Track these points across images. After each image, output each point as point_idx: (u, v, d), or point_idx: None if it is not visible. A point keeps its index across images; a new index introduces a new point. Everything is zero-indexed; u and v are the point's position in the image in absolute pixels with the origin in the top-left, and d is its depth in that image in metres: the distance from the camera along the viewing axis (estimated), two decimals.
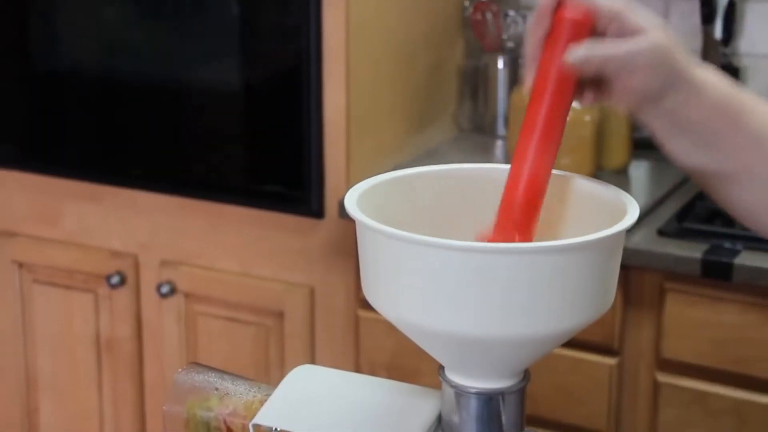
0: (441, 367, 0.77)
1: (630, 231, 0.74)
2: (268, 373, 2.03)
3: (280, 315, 2.03)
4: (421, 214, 0.79)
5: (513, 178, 0.77)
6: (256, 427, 0.81)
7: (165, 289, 2.10)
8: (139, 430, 2.22)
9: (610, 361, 1.79)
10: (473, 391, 0.75)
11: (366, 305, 1.93)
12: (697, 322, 1.72)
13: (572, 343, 1.77)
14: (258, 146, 2.01)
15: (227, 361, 2.07)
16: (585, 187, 0.79)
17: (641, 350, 1.78)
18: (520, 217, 0.76)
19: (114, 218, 2.15)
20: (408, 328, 0.74)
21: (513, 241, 0.76)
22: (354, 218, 0.73)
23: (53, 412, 2.30)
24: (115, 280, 2.14)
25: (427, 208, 0.80)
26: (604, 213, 0.75)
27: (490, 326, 0.69)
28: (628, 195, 0.75)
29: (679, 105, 0.80)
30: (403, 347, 1.89)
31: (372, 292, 0.75)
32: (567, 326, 0.71)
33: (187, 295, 2.11)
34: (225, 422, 0.85)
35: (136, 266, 2.15)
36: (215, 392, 0.86)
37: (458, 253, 0.68)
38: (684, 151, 0.82)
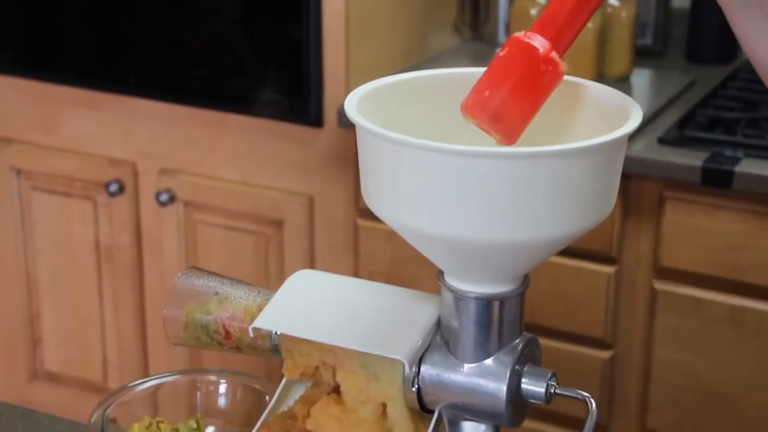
0: (440, 272, 0.77)
1: (630, 139, 0.73)
2: (268, 282, 2.05)
3: (279, 224, 2.04)
4: (422, 119, 0.79)
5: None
6: (256, 330, 0.82)
7: (164, 198, 2.10)
8: (140, 336, 2.24)
9: (609, 269, 1.80)
10: (472, 295, 0.75)
11: (365, 214, 1.93)
12: (697, 230, 1.72)
13: (571, 252, 1.78)
14: (257, 54, 1.99)
15: (227, 269, 2.07)
16: (587, 90, 0.78)
17: (639, 258, 1.79)
18: (557, 31, 0.72)
19: (112, 126, 2.14)
20: (408, 233, 0.73)
21: (546, 47, 0.73)
22: (354, 122, 0.72)
23: (54, 318, 2.32)
24: (113, 188, 2.14)
25: (428, 112, 0.79)
26: (606, 117, 0.74)
27: (491, 231, 0.69)
28: (631, 99, 0.74)
29: None
30: (401, 256, 1.90)
31: (372, 198, 0.74)
32: (567, 231, 0.71)
33: (186, 204, 2.11)
34: (223, 326, 0.85)
35: (135, 174, 2.15)
36: (215, 296, 0.86)
37: (459, 157, 0.67)
38: (758, 33, 0.70)
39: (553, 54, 0.73)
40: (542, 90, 0.73)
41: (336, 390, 0.82)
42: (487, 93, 0.73)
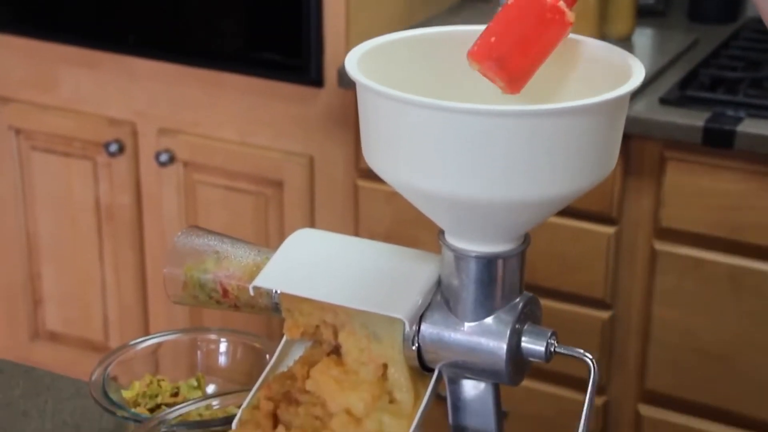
0: (440, 231, 0.77)
1: (631, 99, 0.73)
2: (268, 243, 2.05)
3: (279, 184, 2.03)
4: (423, 77, 0.78)
5: None
6: (256, 289, 0.82)
7: (164, 158, 2.09)
8: (140, 296, 2.25)
9: (609, 230, 1.80)
10: (473, 254, 0.75)
11: (365, 175, 1.93)
12: (697, 190, 1.72)
13: (571, 212, 1.78)
14: (256, 13, 1.98)
15: (227, 229, 2.06)
16: (589, 48, 0.78)
17: (640, 219, 1.78)
18: None
19: (111, 85, 2.13)
20: (408, 192, 0.73)
21: None
22: (354, 79, 0.72)
23: (55, 278, 2.32)
24: (113, 148, 2.13)
25: (429, 70, 0.79)
26: (608, 75, 0.73)
27: (492, 189, 0.69)
28: (633, 56, 0.73)
29: None
30: (401, 217, 1.90)
31: (373, 156, 0.74)
32: (568, 190, 0.70)
33: (186, 164, 2.11)
34: (221, 284, 0.85)
35: (135, 134, 2.14)
36: (214, 255, 0.86)
37: (459, 115, 0.67)
38: None
39: (561, 3, 0.72)
40: (549, 39, 0.73)
41: (336, 350, 0.82)
42: (493, 39, 0.73)
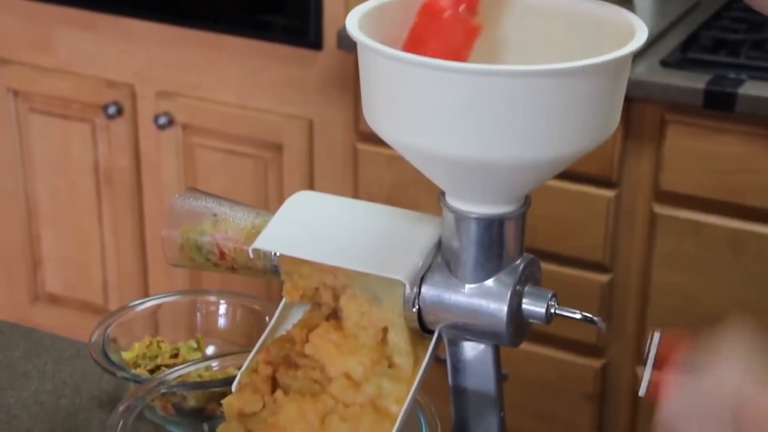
0: (441, 193, 0.77)
1: (633, 61, 0.72)
2: (267, 206, 2.04)
3: (278, 147, 2.03)
4: None
5: None
6: (256, 251, 0.81)
7: (162, 121, 2.09)
8: (139, 258, 2.25)
9: (609, 193, 1.80)
10: (473, 216, 0.75)
11: (365, 138, 1.92)
12: (698, 153, 1.71)
13: (571, 176, 1.78)
14: None
15: (226, 193, 2.05)
16: (591, 8, 0.77)
17: (640, 182, 1.78)
18: None
19: (108, 47, 2.12)
20: (409, 153, 0.73)
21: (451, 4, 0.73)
22: (356, 39, 0.71)
23: (54, 240, 2.32)
24: (111, 110, 2.13)
25: None
26: (610, 35, 0.73)
27: (492, 149, 0.68)
28: (636, 17, 0.73)
29: None
30: (401, 180, 1.89)
31: (373, 117, 0.73)
32: (569, 150, 0.70)
33: (184, 127, 2.10)
34: (218, 246, 0.85)
35: (133, 97, 2.13)
36: (212, 217, 0.85)
37: (459, 74, 0.66)
38: None
39: (462, 9, 0.73)
40: (460, 47, 0.74)
41: (335, 314, 0.82)
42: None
